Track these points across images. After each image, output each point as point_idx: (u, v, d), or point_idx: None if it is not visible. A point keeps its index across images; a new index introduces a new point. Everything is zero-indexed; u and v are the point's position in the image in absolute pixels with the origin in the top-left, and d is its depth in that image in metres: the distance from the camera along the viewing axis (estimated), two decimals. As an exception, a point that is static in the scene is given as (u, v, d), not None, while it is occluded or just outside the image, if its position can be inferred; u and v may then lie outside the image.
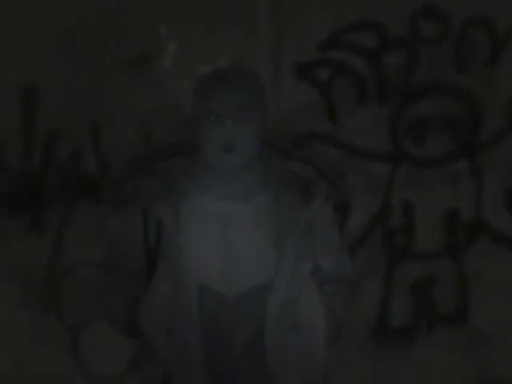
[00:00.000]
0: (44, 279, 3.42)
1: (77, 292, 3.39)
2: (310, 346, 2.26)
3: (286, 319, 2.21)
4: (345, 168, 3.42)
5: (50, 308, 3.42)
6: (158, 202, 2.24)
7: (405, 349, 3.50)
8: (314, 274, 2.28)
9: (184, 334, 2.20)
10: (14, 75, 3.34)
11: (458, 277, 3.49)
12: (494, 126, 3.46)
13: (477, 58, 3.44)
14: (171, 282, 2.21)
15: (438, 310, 3.50)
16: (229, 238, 2.22)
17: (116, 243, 2.38)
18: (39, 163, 3.41)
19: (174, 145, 3.30)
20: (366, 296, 3.24)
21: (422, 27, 3.41)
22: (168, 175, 2.29)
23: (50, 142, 3.40)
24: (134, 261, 2.28)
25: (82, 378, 3.44)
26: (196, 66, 3.23)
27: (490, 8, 3.39)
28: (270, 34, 3.40)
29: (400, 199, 3.47)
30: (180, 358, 2.21)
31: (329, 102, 3.42)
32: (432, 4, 3.40)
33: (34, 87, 3.37)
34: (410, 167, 3.46)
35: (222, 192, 2.26)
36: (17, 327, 3.40)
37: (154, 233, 2.25)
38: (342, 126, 3.43)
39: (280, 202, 2.25)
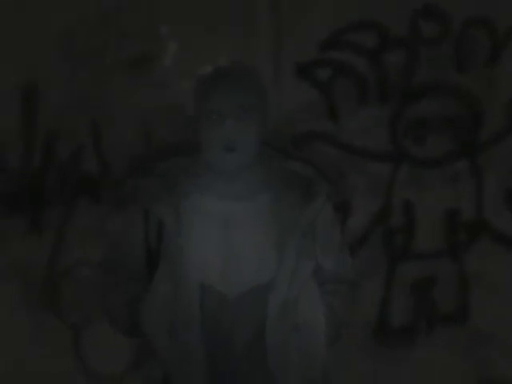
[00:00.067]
0: (44, 279, 3.42)
1: (77, 292, 3.39)
2: (310, 346, 2.26)
3: (286, 319, 2.21)
4: (345, 168, 3.42)
5: (50, 308, 3.41)
6: (158, 202, 2.24)
7: (405, 349, 3.50)
8: (315, 274, 2.29)
9: (184, 334, 2.20)
10: (14, 75, 3.33)
11: (458, 277, 3.49)
12: (494, 126, 3.46)
13: (477, 58, 3.44)
14: (172, 281, 2.21)
15: (438, 310, 3.50)
16: (229, 238, 2.22)
17: (116, 243, 2.38)
18: (39, 163, 3.41)
19: (174, 145, 3.30)
20: (366, 296, 3.23)
21: (422, 27, 3.41)
22: (168, 175, 2.29)
23: (50, 142, 3.40)
24: (134, 261, 2.28)
25: (82, 378, 3.44)
26: (196, 66, 3.22)
27: (490, 8, 3.39)
28: (270, 34, 3.40)
29: (401, 199, 3.47)
30: (180, 357, 2.21)
31: (329, 101, 3.42)
32: (432, 4, 3.40)
33: (34, 87, 3.36)
34: (410, 167, 3.46)
35: (222, 192, 2.26)
36: (17, 327, 3.40)
37: (155, 233, 2.25)
38: (343, 125, 3.42)
39: (281, 202, 2.25)
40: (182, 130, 3.26)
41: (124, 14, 3.36)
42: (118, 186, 3.32)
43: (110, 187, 3.38)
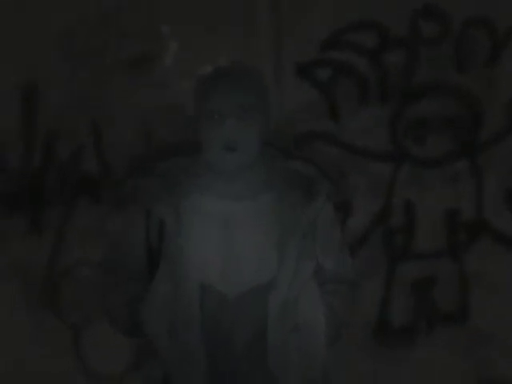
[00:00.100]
0: (44, 279, 3.42)
1: (77, 292, 3.39)
2: (310, 346, 2.26)
3: (286, 319, 2.21)
4: (346, 168, 3.42)
5: (50, 308, 3.41)
6: (158, 202, 2.24)
7: (405, 349, 3.50)
8: (315, 274, 2.29)
9: (184, 334, 2.20)
10: (14, 75, 3.33)
11: (459, 277, 3.49)
12: (494, 126, 3.46)
13: (477, 58, 3.44)
14: (172, 281, 2.21)
15: (438, 310, 3.50)
16: (229, 238, 2.22)
17: (116, 243, 2.38)
18: (39, 163, 3.41)
19: (174, 145, 3.30)
20: (366, 296, 3.23)
21: (422, 27, 3.41)
22: (168, 175, 2.29)
23: (50, 142, 3.40)
24: (134, 261, 2.28)
25: (82, 378, 3.44)
26: (196, 66, 3.22)
27: (490, 8, 3.39)
28: (270, 34, 3.40)
29: (401, 199, 3.47)
30: (180, 357, 2.21)
31: (330, 101, 3.42)
32: (432, 4, 3.40)
33: (34, 87, 3.36)
34: (410, 167, 3.46)
35: (222, 192, 2.25)
36: (17, 327, 3.40)
37: (156, 233, 2.25)
38: (344, 125, 3.42)
39: (283, 202, 2.25)
40: (181, 130, 3.26)
41: (124, 14, 3.36)
42: (118, 185, 3.32)
43: (110, 187, 3.38)
